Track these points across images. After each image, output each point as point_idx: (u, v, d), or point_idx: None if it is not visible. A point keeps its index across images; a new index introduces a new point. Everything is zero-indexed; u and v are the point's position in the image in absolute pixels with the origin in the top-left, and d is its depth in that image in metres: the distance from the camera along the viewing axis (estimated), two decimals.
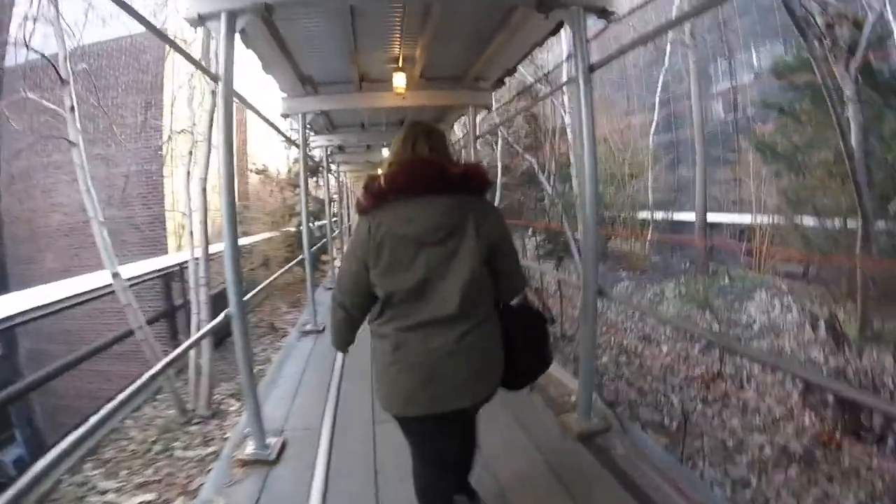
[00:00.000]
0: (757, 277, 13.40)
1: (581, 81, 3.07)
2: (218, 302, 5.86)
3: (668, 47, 18.59)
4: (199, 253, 7.49)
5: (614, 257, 17.32)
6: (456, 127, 10.71)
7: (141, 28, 2.80)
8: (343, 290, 1.82)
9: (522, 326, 1.94)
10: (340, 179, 17.43)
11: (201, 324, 6.97)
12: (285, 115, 6.29)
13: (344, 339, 1.95)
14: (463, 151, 10.67)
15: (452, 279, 1.68)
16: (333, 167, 13.58)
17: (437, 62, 5.53)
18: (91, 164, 12.99)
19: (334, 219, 12.70)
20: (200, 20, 2.93)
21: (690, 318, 11.15)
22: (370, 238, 1.70)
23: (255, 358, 7.87)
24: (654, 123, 19.55)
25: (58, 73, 5.84)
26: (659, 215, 18.50)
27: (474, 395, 1.78)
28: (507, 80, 6.54)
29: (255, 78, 5.57)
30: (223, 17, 2.89)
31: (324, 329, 6.49)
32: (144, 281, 8.96)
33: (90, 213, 6.18)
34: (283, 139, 6.91)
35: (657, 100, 19.46)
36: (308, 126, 9.67)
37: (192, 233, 7.88)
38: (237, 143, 16.43)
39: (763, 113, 14.53)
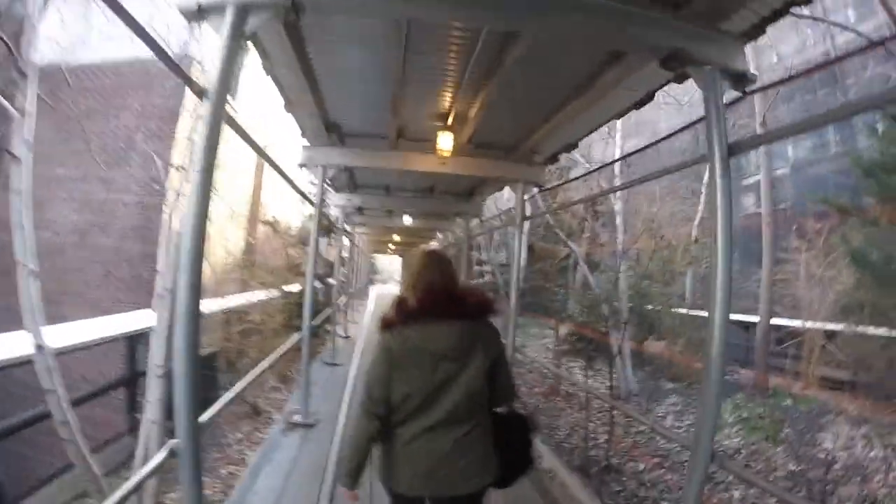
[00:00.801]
0: (815, 396, 11.49)
1: (718, 164, 2.39)
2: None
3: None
4: (160, 320, 5.83)
5: (653, 361, 15.02)
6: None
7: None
8: (374, 398, 2.08)
9: (509, 430, 2.28)
10: (354, 241, 16.66)
11: (148, 451, 5.50)
12: (303, 166, 5.42)
13: (362, 457, 2.13)
14: (495, 235, 10.04)
15: (460, 388, 2.06)
16: (348, 227, 12.79)
17: (491, 126, 4.72)
18: (88, 184, 12.50)
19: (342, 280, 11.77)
20: (200, 13, 2.26)
21: (759, 453, 9.53)
22: (398, 350, 2.06)
23: (228, 452, 6.74)
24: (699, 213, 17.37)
25: (17, 63, 4.67)
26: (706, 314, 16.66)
27: (470, 484, 2.11)
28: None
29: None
30: (230, 11, 2.20)
31: (315, 424, 5.53)
32: (98, 345, 7.63)
33: (18, 254, 4.74)
34: (297, 192, 5.91)
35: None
36: (328, 182, 9.00)
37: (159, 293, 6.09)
38: (251, 188, 15.81)
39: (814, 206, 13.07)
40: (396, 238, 18.33)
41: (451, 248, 13.31)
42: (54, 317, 5.50)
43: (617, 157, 10.36)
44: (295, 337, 5.60)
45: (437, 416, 2.06)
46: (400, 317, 2.12)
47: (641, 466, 7.99)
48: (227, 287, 11.73)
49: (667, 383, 12.88)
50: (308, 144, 5.37)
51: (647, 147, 4.61)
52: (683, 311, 13.74)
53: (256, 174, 16.48)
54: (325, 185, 6.53)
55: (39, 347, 4.71)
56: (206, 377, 7.54)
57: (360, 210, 11.09)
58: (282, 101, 4.28)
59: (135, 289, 10.77)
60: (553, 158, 5.77)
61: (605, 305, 11.24)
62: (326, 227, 12.41)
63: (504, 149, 5.38)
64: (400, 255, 34.04)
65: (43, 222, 11.24)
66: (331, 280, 12.37)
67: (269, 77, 3.61)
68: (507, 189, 13.66)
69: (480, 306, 2.20)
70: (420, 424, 2.07)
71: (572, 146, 5.45)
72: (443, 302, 2.11)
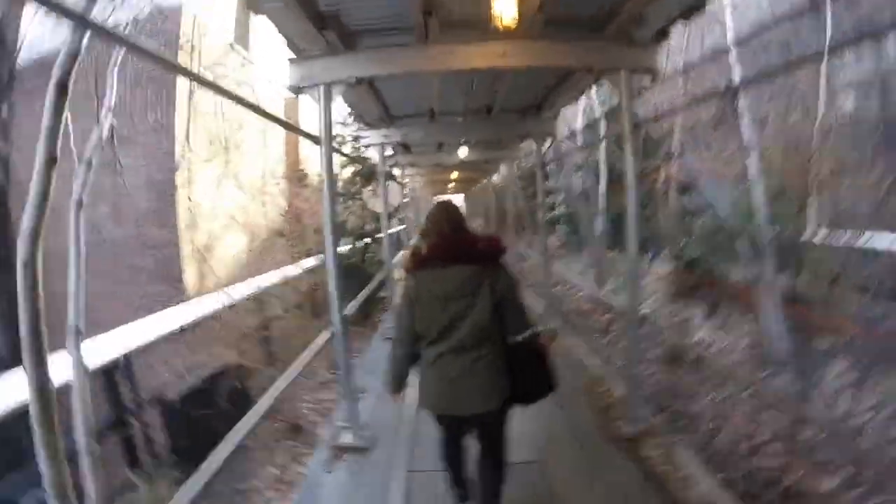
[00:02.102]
0: None
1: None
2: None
3: None
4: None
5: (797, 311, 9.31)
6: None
7: None
8: (401, 329, 2.68)
9: (520, 360, 2.64)
10: (408, 186, 15.14)
11: None
12: (297, 90, 3.83)
13: (400, 374, 2.72)
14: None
15: (471, 321, 2.49)
16: (397, 171, 11.20)
17: None
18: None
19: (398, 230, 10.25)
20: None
21: None
22: (416, 290, 2.58)
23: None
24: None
25: None
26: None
27: (481, 405, 2.56)
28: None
29: None
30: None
31: (371, 447, 4.18)
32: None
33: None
34: (298, 133, 4.30)
35: None
36: (357, 117, 7.44)
37: None
38: (286, 149, 14.49)
39: None
40: (455, 175, 16.54)
41: (515, 182, 11.46)
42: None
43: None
44: (321, 339, 4.17)
45: (451, 344, 2.52)
46: (415, 264, 2.64)
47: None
48: (265, 264, 10.52)
49: (818, 340, 8.55)
50: (296, 56, 3.75)
51: None
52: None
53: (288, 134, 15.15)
54: (348, 120, 5.08)
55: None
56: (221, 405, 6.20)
57: (405, 148, 9.54)
58: None
59: (164, 279, 9.89)
60: (663, 33, 3.89)
61: (739, 236, 8.87)
62: (367, 174, 10.87)
63: (591, 23, 3.65)
64: (462, 193, 32.72)
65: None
66: (380, 235, 10.93)
67: None
68: (583, 101, 11.47)
69: (488, 252, 2.60)
70: (438, 350, 2.55)
71: (696, 8, 3.61)
72: (451, 249, 2.55)
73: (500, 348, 2.59)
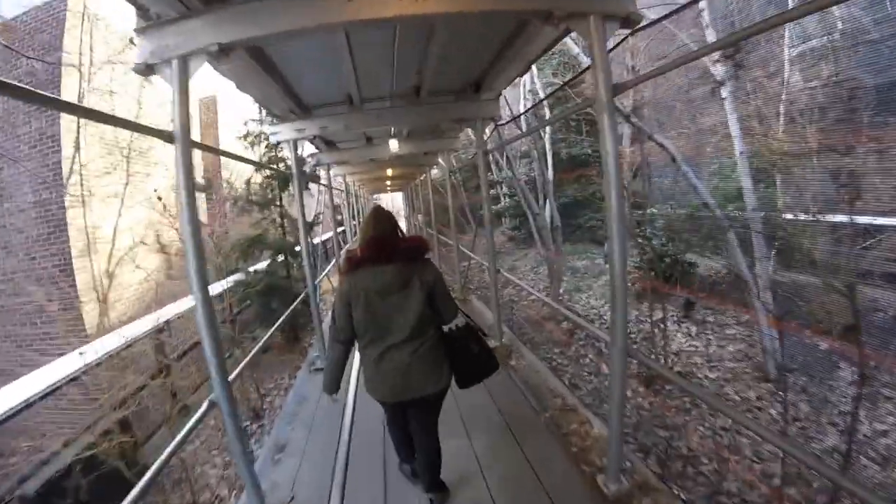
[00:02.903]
0: None
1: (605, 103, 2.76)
2: None
3: None
4: None
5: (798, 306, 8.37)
6: None
7: None
8: (338, 329, 2.91)
9: (460, 343, 3.04)
10: (340, 187, 14.01)
11: None
12: (146, 70, 2.76)
13: (337, 376, 3.00)
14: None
15: (407, 314, 2.80)
16: (322, 172, 10.04)
17: None
18: None
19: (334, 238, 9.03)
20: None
21: None
22: (351, 291, 2.82)
23: None
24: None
25: None
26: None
27: (426, 388, 2.88)
28: None
29: None
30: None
31: None
32: None
33: None
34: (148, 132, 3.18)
35: None
36: (265, 110, 6.33)
37: None
38: (202, 154, 13.10)
39: None
40: (391, 172, 15.41)
41: (455, 175, 10.46)
42: None
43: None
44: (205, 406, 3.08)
45: (393, 339, 2.82)
46: (350, 266, 2.89)
47: None
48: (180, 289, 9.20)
49: (815, 340, 7.61)
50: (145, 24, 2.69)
51: None
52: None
53: (209, 135, 13.71)
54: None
55: None
56: None
57: (328, 144, 8.46)
58: None
59: (61, 315, 8.55)
60: None
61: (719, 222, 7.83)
62: (283, 178, 9.59)
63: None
64: (401, 191, 31.70)
65: None
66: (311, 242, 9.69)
67: None
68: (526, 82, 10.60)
69: (413, 250, 2.90)
70: (383, 345, 2.84)
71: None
72: (381, 250, 2.83)
73: (438, 336, 2.96)
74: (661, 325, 7.72)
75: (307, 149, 8.90)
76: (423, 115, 6.17)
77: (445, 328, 3.02)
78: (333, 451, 4.28)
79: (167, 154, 11.37)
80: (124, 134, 10.17)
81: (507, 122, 8.06)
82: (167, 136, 2.70)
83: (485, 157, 6.28)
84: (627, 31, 3.10)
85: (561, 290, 10.32)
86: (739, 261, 6.91)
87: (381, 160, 12.25)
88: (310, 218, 8.80)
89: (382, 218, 2.96)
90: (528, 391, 5.03)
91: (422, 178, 18.81)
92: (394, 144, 8.01)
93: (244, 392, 6.67)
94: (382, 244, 2.85)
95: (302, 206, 6.05)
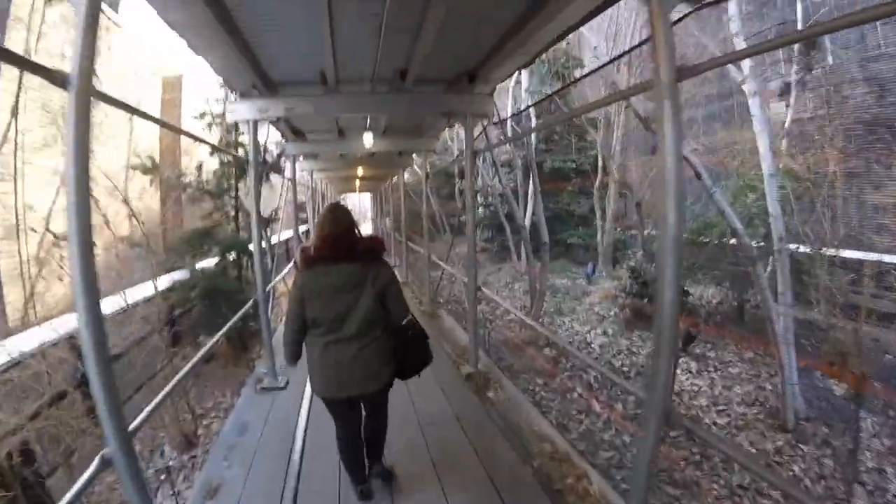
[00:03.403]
0: None
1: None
2: None
3: None
4: None
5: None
6: None
7: None
8: (291, 321, 2.96)
9: (405, 340, 3.08)
10: (304, 182, 13.17)
11: None
12: None
13: (295, 353, 3.07)
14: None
15: (357, 313, 2.86)
16: (286, 165, 9.20)
17: None
18: None
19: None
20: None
21: None
22: (306, 286, 2.88)
23: None
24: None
25: None
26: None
27: (368, 386, 2.98)
28: None
29: None
30: None
31: None
32: None
33: None
34: None
35: None
36: (224, 82, 5.59)
37: None
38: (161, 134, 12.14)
39: None
40: (361, 172, 14.52)
41: (428, 180, 9.71)
42: None
43: None
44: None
45: (340, 334, 2.88)
46: (306, 262, 2.94)
47: None
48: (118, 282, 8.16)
49: (831, 384, 7.16)
50: None
51: None
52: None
53: (169, 114, 12.68)
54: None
55: None
56: None
57: (296, 134, 7.71)
58: None
59: None
60: None
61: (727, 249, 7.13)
62: (241, 165, 8.62)
63: None
64: (370, 192, 30.83)
65: None
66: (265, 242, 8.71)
67: None
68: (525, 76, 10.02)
69: (369, 251, 2.97)
70: (326, 339, 2.90)
71: None
72: (337, 248, 2.88)
73: (386, 335, 3.02)
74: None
75: (272, 136, 8.10)
76: (407, 104, 5.48)
77: (395, 322, 3.06)
78: (279, 495, 3.57)
79: (122, 129, 10.38)
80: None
81: (501, 122, 7.38)
82: (59, 80, 1.91)
83: (473, 159, 5.58)
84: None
85: (538, 312, 9.67)
86: (766, 295, 6.22)
87: (352, 157, 11.50)
88: (267, 213, 7.89)
89: (340, 215, 3.00)
90: (510, 432, 4.33)
91: (394, 180, 18.06)
92: (368, 139, 7.27)
93: (177, 411, 5.70)
94: (338, 242, 2.91)
95: (258, 198, 5.24)
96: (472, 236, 5.70)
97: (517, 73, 6.06)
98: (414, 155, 11.58)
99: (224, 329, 4.82)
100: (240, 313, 5.27)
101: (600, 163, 15.16)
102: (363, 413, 3.27)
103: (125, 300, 6.73)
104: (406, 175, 15.68)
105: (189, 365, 3.63)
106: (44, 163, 8.58)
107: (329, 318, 2.87)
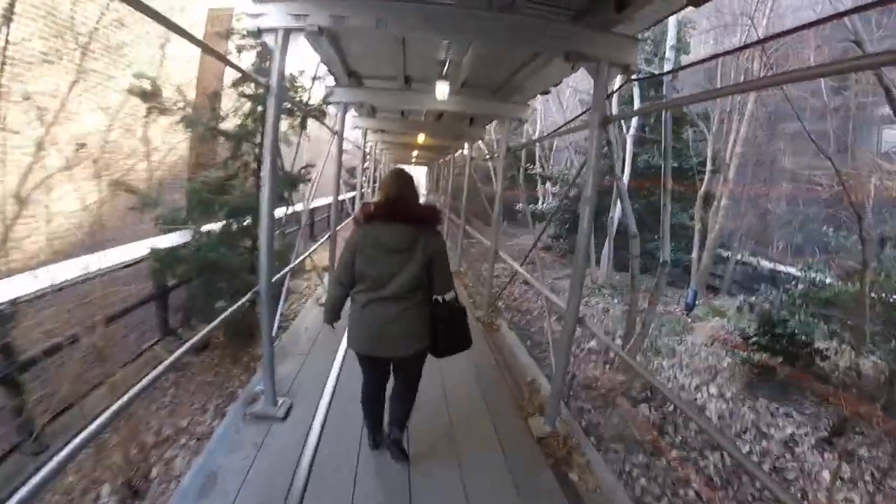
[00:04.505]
0: None
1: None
2: None
3: None
4: None
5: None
6: None
7: None
8: (340, 271, 3.04)
9: (443, 317, 3.10)
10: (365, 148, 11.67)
11: None
12: None
13: (336, 308, 3.14)
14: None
15: (404, 274, 2.90)
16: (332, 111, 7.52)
17: None
18: None
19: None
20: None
21: None
22: (361, 240, 2.94)
23: None
24: None
25: None
26: None
27: (401, 349, 3.02)
28: None
29: None
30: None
31: None
32: None
33: None
34: None
35: None
36: None
37: None
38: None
39: None
40: (422, 139, 12.89)
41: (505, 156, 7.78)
42: None
43: None
44: None
45: (384, 293, 2.92)
46: (364, 217, 3.02)
47: None
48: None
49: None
50: None
51: None
52: None
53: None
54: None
55: None
56: None
57: (350, 75, 6.10)
58: None
59: None
60: None
61: None
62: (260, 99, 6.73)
63: None
64: (426, 166, 29.37)
65: None
66: (296, 208, 6.81)
67: None
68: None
69: (425, 217, 3.00)
70: (370, 296, 2.95)
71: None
72: (395, 209, 2.94)
73: (428, 302, 3.09)
74: (793, 447, 5.18)
75: (322, 81, 6.47)
76: (511, 33, 3.69)
77: (437, 297, 3.10)
78: None
79: (146, 53, 8.89)
80: (91, 14, 7.71)
81: (652, 77, 5.48)
82: None
83: (604, 129, 3.76)
84: None
85: (635, 345, 7.48)
86: None
87: (415, 119, 9.81)
88: (291, 166, 6.17)
89: (404, 181, 3.10)
90: None
91: (456, 154, 16.28)
92: (442, 90, 5.54)
93: (129, 432, 4.04)
94: (398, 203, 2.97)
95: (275, 142, 3.58)
96: (583, 252, 3.92)
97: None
98: (488, 127, 9.87)
99: (205, 331, 3.28)
100: (230, 310, 3.65)
101: (708, 165, 12.94)
102: (395, 378, 3.37)
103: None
104: (466, 149, 13.91)
105: (141, 385, 2.16)
106: (39, 81, 7.12)
107: (375, 275, 2.95)
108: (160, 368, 2.68)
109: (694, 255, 12.09)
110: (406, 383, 3.34)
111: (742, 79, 11.79)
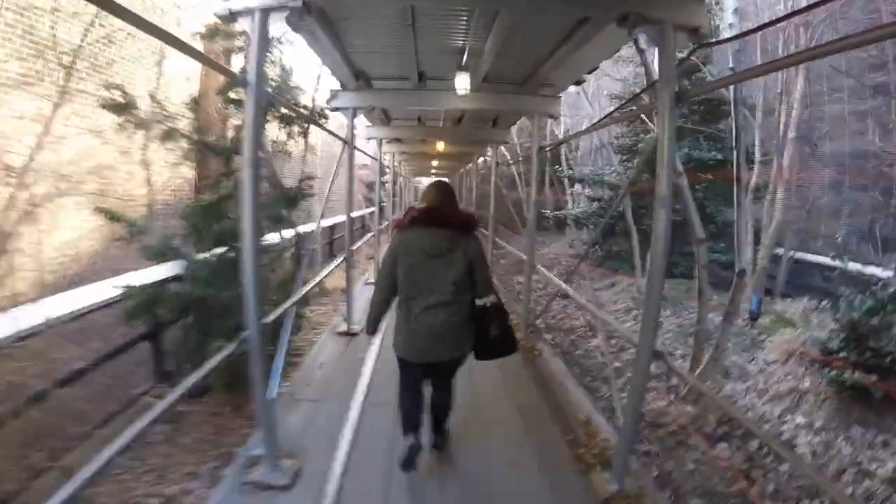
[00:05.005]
0: None
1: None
2: None
3: None
4: None
5: None
6: None
7: None
8: (382, 276, 3.15)
9: (487, 318, 3.13)
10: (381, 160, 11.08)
11: None
12: None
13: (378, 317, 3.25)
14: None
15: (447, 279, 2.97)
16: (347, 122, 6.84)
17: None
18: None
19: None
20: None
21: None
22: (399, 246, 3.06)
23: None
24: None
25: None
26: None
27: (445, 353, 3.09)
28: None
29: None
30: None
31: None
32: None
33: None
34: None
35: None
36: None
37: None
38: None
39: None
40: (441, 147, 12.21)
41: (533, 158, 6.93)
42: None
43: None
44: None
45: (431, 300, 2.99)
46: (405, 222, 3.12)
47: None
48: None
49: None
50: None
51: None
52: None
53: None
54: None
55: None
56: None
57: (357, 76, 5.42)
58: None
59: None
60: None
61: None
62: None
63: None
64: (446, 176, 28.75)
65: None
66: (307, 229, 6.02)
67: None
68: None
69: (465, 223, 3.12)
70: (422, 303, 3.00)
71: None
72: (435, 215, 3.06)
73: (469, 305, 3.13)
74: None
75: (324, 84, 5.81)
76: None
77: (478, 302, 3.13)
78: None
79: (136, 74, 8.34)
80: (74, 34, 7.23)
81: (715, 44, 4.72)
82: None
83: (673, 109, 2.94)
84: None
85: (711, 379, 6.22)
86: None
87: (431, 125, 9.14)
88: (299, 183, 5.52)
89: (444, 188, 3.27)
90: None
91: (479, 160, 15.51)
92: (463, 82, 4.81)
93: None
94: (439, 209, 3.10)
95: (255, 148, 2.88)
96: (660, 268, 3.09)
97: None
98: (512, 129, 9.16)
99: (175, 394, 2.58)
100: (214, 361, 2.93)
101: (757, 154, 11.88)
102: (432, 384, 3.43)
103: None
104: (489, 154, 13.16)
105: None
106: (20, 104, 6.57)
107: (419, 280, 3.01)
108: (133, 431, 2.17)
109: (749, 255, 10.99)
110: (442, 393, 3.50)
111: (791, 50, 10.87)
